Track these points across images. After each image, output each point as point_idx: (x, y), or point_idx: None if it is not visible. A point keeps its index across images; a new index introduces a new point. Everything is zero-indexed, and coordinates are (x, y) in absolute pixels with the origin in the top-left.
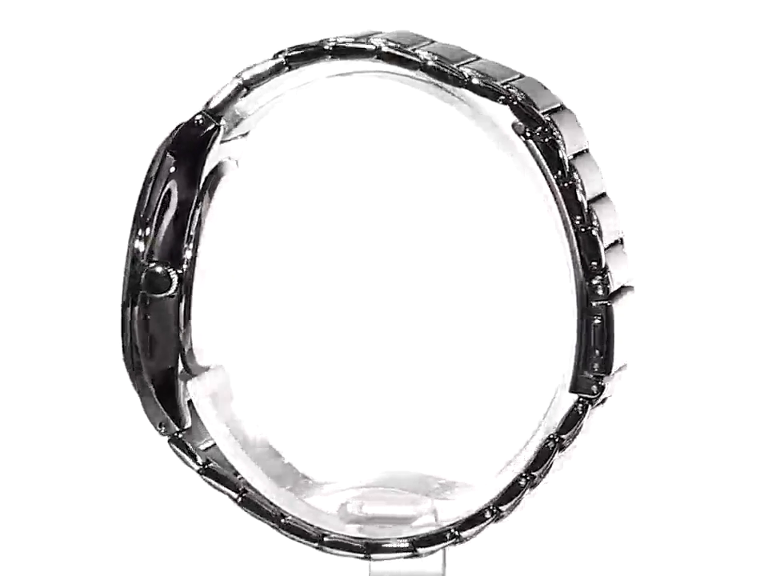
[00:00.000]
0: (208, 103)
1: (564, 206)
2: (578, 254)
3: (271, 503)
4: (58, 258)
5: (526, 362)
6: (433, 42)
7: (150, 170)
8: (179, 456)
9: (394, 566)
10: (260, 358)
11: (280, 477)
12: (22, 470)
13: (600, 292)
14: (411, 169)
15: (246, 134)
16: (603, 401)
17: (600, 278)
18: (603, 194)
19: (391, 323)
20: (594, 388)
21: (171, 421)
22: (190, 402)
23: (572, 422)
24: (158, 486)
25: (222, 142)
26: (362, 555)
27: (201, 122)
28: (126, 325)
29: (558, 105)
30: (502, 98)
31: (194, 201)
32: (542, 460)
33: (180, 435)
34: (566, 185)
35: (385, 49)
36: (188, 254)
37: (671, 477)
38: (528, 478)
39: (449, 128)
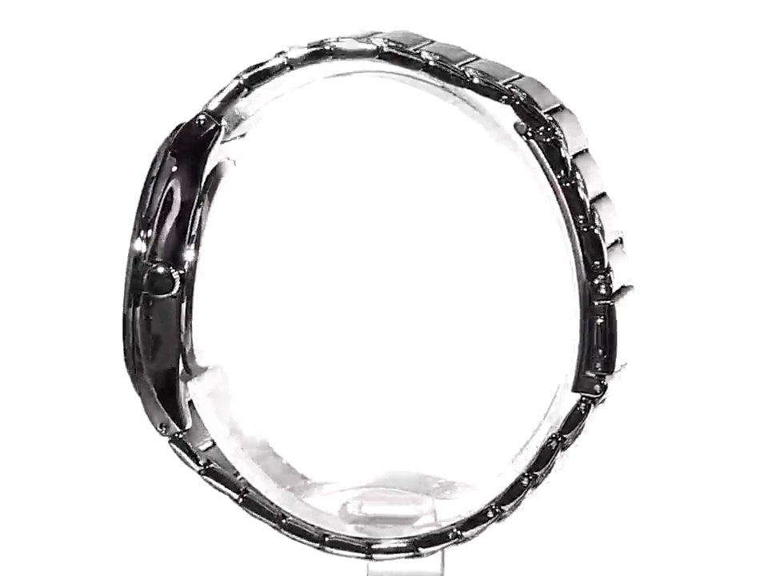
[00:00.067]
0: (209, 103)
1: (566, 206)
2: (580, 253)
3: (272, 503)
4: (57, 258)
5: (527, 362)
6: (432, 42)
7: (151, 171)
8: (180, 457)
9: (393, 566)
10: (260, 358)
11: (280, 477)
12: (22, 471)
13: (603, 291)
14: (412, 169)
15: (244, 134)
16: (603, 400)
17: (602, 277)
18: (603, 194)
19: (393, 323)
20: (597, 387)
21: (172, 421)
22: (190, 402)
23: (575, 421)
24: (159, 486)
25: (222, 142)
26: (364, 555)
27: (202, 122)
28: (127, 325)
29: (558, 105)
30: (505, 97)
31: (195, 201)
32: (544, 459)
33: (181, 436)
34: (568, 184)
35: (387, 49)
36: (189, 255)
37: (671, 476)
38: (530, 477)
39: (450, 128)
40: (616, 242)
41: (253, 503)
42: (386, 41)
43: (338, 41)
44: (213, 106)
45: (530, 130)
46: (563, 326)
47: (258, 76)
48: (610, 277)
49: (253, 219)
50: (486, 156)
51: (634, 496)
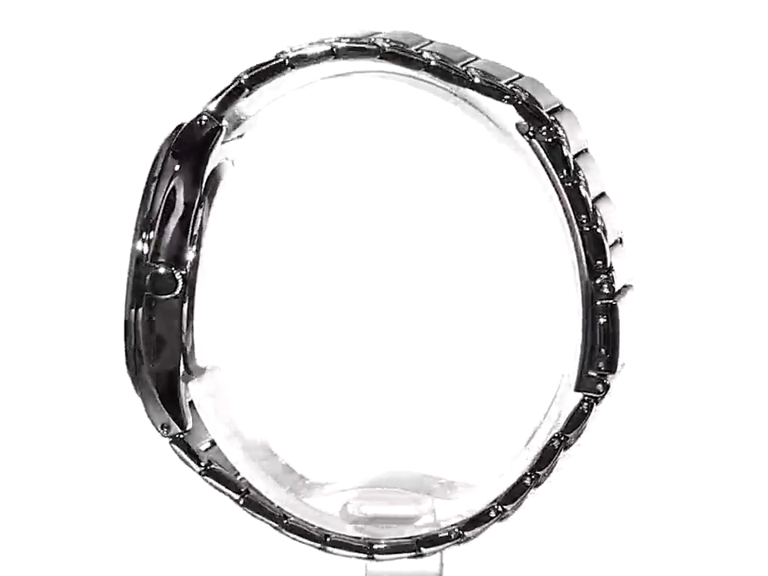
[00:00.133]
0: (210, 103)
1: (569, 205)
2: (582, 252)
3: (273, 504)
4: (57, 258)
5: (529, 361)
6: (431, 41)
7: (152, 171)
8: (181, 458)
9: (391, 566)
10: (260, 358)
11: (281, 477)
12: (23, 472)
13: (605, 291)
14: (414, 169)
15: (242, 135)
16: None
17: (605, 276)
18: (603, 194)
19: (394, 324)
20: (600, 387)
21: (173, 422)
22: (191, 403)
23: (577, 420)
24: (160, 487)
25: (222, 142)
26: (366, 555)
27: (204, 122)
28: (129, 326)
29: (558, 104)
30: (507, 97)
31: (197, 202)
32: (547, 459)
33: (182, 436)
34: (570, 184)
35: (389, 49)
36: (191, 255)
37: (671, 476)
38: (533, 477)
39: (451, 128)
40: (616, 241)
41: (254, 504)
42: (388, 41)
43: (339, 41)
44: (214, 106)
45: (531, 129)
46: (565, 326)
47: (259, 76)
48: (612, 276)
49: (254, 220)
50: (488, 156)
51: (634, 496)
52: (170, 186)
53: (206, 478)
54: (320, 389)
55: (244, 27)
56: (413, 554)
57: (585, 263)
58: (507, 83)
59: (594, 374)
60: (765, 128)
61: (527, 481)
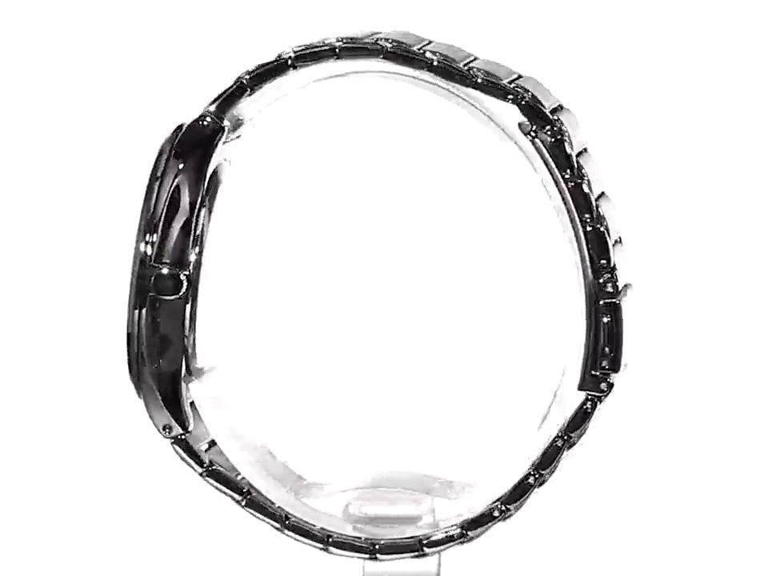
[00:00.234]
0: (211, 104)
1: (572, 204)
2: (586, 251)
3: (274, 504)
4: (57, 258)
5: (532, 360)
6: (431, 41)
7: (154, 172)
8: (182, 458)
9: (390, 566)
10: (261, 358)
11: (282, 478)
12: (24, 473)
13: (609, 290)
14: (416, 169)
15: (240, 135)
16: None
17: (609, 275)
18: (603, 193)
19: (396, 325)
20: (603, 385)
21: (175, 423)
22: (192, 403)
23: (581, 419)
24: (161, 488)
25: (223, 143)
26: (368, 555)
27: (206, 122)
28: (132, 328)
29: (558, 104)
30: (511, 97)
31: (199, 202)
32: (550, 458)
33: (183, 437)
34: (573, 183)
35: (391, 49)
36: (194, 256)
37: (671, 476)
38: (536, 476)
39: (453, 127)
40: (616, 241)
41: (256, 504)
42: (390, 41)
43: (341, 41)
44: (215, 106)
45: (534, 128)
46: (568, 325)
47: (261, 76)
48: (616, 275)
49: (255, 220)
50: (490, 155)
51: (634, 496)
52: (174, 186)
53: (207, 478)
54: (320, 389)
55: (244, 27)
56: (415, 553)
57: (588, 262)
58: (509, 83)
59: (598, 372)
60: (765, 128)
61: (531, 480)
